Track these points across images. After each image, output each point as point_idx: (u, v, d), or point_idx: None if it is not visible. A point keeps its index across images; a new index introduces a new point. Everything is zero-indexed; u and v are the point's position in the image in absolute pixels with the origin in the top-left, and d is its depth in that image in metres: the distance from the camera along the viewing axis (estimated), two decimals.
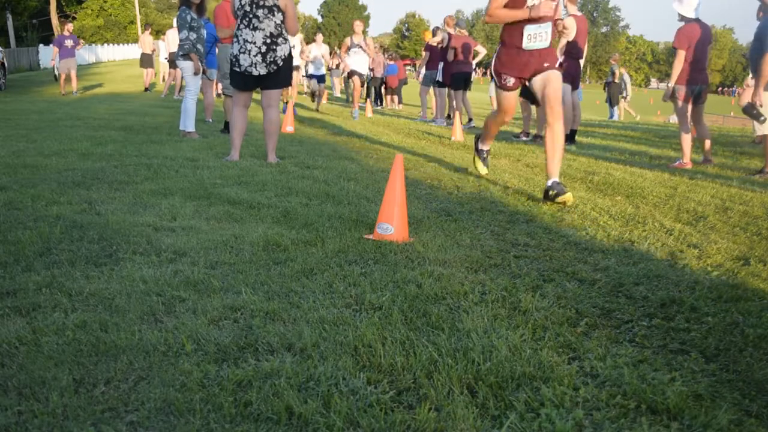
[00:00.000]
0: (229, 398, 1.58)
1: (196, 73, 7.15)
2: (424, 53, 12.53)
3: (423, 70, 12.41)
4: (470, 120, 11.17)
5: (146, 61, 17.20)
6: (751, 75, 6.68)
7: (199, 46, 7.09)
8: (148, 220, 3.31)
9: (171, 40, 13.81)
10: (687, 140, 6.54)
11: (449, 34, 10.92)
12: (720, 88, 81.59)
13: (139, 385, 1.64)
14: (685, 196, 4.56)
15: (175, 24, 7.15)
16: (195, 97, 7.31)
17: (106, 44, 44.38)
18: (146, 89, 17.74)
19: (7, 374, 1.68)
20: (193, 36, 7.01)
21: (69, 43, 15.74)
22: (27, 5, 41.31)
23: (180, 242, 2.92)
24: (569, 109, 8.28)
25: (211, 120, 9.37)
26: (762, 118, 5.60)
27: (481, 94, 27.83)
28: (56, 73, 16.36)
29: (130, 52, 41.02)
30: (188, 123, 7.30)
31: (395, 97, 19.37)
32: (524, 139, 8.94)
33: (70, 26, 16.60)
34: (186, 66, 7.13)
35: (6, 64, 19.32)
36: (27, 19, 42.56)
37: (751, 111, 5.64)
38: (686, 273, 2.71)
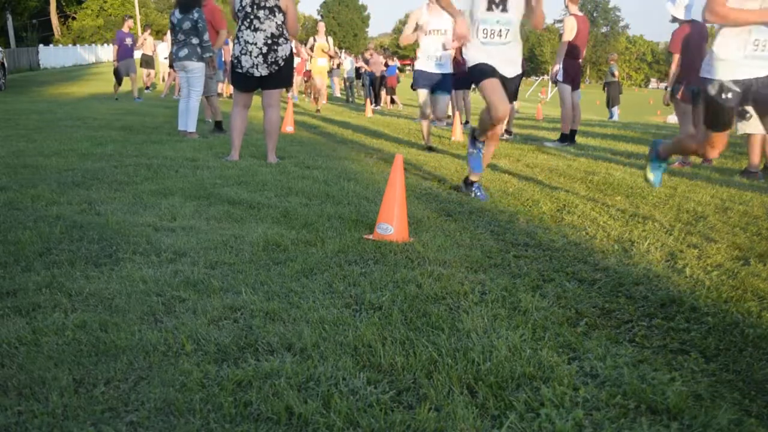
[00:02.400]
0: (229, 398, 1.58)
1: (209, 75, 7.23)
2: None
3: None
4: (467, 122, 11.13)
5: (147, 61, 17.15)
6: None
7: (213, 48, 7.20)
8: (148, 220, 3.31)
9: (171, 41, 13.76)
10: None
11: None
12: None
13: (139, 385, 1.64)
14: (685, 196, 4.56)
15: (189, 26, 7.09)
16: (200, 98, 7.39)
17: (106, 44, 44.37)
18: (147, 88, 17.72)
19: (7, 374, 1.68)
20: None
21: (129, 41, 13.91)
22: (27, 5, 41.33)
23: (180, 242, 2.92)
24: (569, 109, 8.29)
25: (211, 120, 9.38)
26: (748, 115, 5.61)
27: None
28: (120, 74, 14.12)
29: None
30: (190, 123, 7.32)
31: (395, 97, 19.38)
32: (506, 137, 8.95)
33: (130, 22, 14.33)
34: (202, 67, 7.17)
35: (6, 64, 19.16)
36: (27, 19, 42.57)
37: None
38: (686, 273, 2.71)
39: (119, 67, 13.96)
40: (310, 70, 15.94)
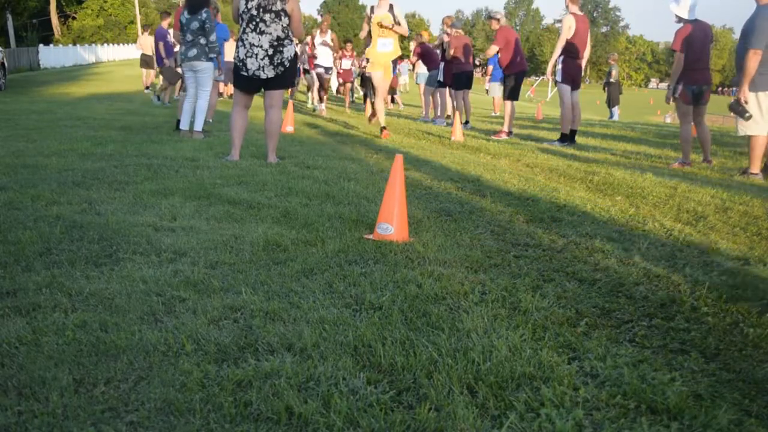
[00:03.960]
0: (229, 398, 1.58)
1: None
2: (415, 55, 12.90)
3: (420, 70, 12.49)
4: (467, 122, 11.13)
5: (146, 61, 17.12)
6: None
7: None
8: (148, 220, 3.31)
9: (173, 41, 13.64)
10: (687, 140, 6.55)
11: (448, 34, 10.92)
12: (720, 88, 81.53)
13: (139, 385, 1.64)
14: (685, 196, 4.56)
15: (196, 26, 7.07)
16: (209, 97, 7.45)
17: (106, 44, 44.38)
18: (146, 88, 17.72)
19: (7, 374, 1.68)
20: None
21: (170, 38, 12.25)
22: (27, 5, 41.37)
23: (180, 242, 2.92)
24: (568, 109, 8.28)
25: (211, 120, 9.39)
26: (747, 114, 5.59)
27: (481, 95, 27.82)
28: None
29: (130, 52, 41.03)
30: (197, 122, 7.36)
31: (396, 97, 19.35)
32: (505, 137, 8.96)
33: (170, 19, 12.47)
34: (211, 66, 7.21)
35: (6, 64, 19.11)
36: (27, 19, 42.61)
37: (736, 108, 5.64)
38: (686, 273, 2.71)
39: (168, 67, 12.06)
40: (348, 69, 14.16)
